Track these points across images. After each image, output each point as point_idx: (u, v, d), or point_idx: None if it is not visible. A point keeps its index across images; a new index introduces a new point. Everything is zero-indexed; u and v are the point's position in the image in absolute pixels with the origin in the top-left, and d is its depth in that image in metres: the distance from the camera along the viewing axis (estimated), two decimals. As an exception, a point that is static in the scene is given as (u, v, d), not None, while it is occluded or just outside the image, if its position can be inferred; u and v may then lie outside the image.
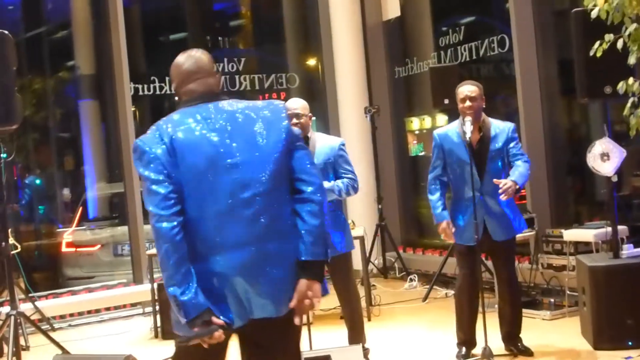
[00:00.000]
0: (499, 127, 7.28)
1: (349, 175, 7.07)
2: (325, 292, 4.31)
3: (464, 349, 7.41)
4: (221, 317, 4.05)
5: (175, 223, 4.03)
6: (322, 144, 7.09)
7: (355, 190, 7.09)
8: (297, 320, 4.24)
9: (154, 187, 4.06)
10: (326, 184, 6.83)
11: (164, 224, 4.02)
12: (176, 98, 4.49)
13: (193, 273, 4.03)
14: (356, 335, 7.19)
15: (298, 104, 7.08)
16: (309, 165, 4.32)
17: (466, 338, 7.44)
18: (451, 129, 7.34)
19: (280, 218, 4.21)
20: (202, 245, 4.09)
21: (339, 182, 7.00)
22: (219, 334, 4.01)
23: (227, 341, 4.22)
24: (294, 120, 6.92)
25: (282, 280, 4.16)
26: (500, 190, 6.87)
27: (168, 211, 4.04)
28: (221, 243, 4.08)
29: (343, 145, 7.16)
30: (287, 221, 4.24)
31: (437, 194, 7.36)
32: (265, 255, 4.12)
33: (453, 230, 7.28)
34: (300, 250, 4.20)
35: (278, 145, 4.24)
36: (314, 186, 4.30)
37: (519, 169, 7.08)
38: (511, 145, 7.22)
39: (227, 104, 4.32)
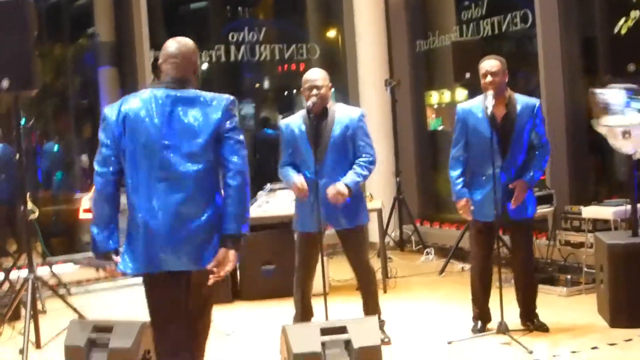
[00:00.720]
0: (525, 103, 7.26)
1: (364, 159, 7.02)
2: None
3: (479, 323, 7.44)
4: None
5: (108, 179, 4.99)
6: (341, 114, 7.06)
7: (373, 164, 7.07)
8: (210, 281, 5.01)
9: (101, 148, 5.03)
10: (348, 179, 6.89)
11: (98, 179, 5.00)
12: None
13: (114, 221, 5.03)
14: (371, 308, 7.20)
15: (317, 75, 7.04)
16: (233, 153, 4.97)
17: (481, 313, 7.47)
18: (475, 104, 7.31)
19: (198, 193, 4.94)
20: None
21: (354, 174, 6.94)
22: (110, 269, 5.12)
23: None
24: (314, 92, 6.91)
25: (185, 240, 4.90)
26: (513, 205, 7.07)
27: (104, 169, 4.99)
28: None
29: (363, 116, 7.14)
30: (203, 197, 4.97)
31: (459, 171, 7.35)
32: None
33: (472, 208, 7.28)
34: (222, 226, 4.93)
35: (208, 134, 4.94)
36: (231, 172, 4.93)
37: (533, 163, 7.22)
38: (536, 123, 7.21)
39: (179, 93, 5.02)
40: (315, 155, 6.84)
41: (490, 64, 7.17)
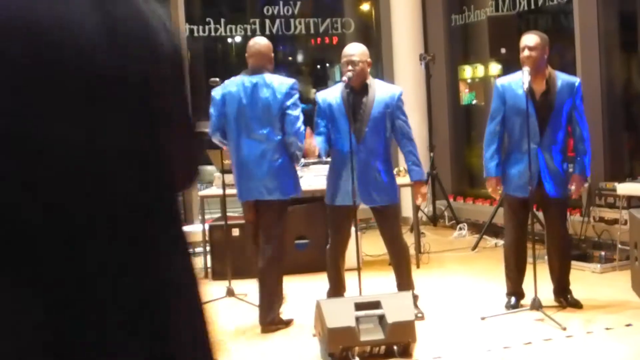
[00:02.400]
0: (565, 81, 7.24)
1: (409, 147, 7.12)
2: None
3: (513, 299, 7.45)
4: None
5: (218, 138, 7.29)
6: (381, 92, 7.08)
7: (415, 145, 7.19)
8: None
9: (211, 119, 7.20)
10: (419, 175, 7.15)
11: (214, 139, 7.32)
12: None
13: None
14: (404, 283, 7.23)
15: (354, 50, 7.05)
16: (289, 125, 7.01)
17: (515, 289, 7.48)
18: (515, 80, 7.28)
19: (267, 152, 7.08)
20: None
21: (418, 167, 7.15)
22: None
23: None
24: (349, 67, 6.92)
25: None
26: (574, 194, 7.26)
27: (215, 133, 7.24)
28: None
29: (401, 95, 7.16)
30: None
31: (494, 147, 7.36)
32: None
33: (500, 189, 7.33)
34: None
35: (276, 109, 7.02)
36: (286, 137, 7.05)
37: (582, 155, 7.28)
38: (576, 104, 7.19)
39: (256, 79, 7.07)
40: (353, 130, 6.86)
41: (529, 39, 7.16)
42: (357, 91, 6.98)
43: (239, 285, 8.17)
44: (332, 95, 7.10)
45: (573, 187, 7.31)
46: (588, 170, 7.37)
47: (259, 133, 7.01)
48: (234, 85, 7.13)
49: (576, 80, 7.31)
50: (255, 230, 7.36)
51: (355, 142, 6.89)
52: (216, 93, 7.19)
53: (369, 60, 7.10)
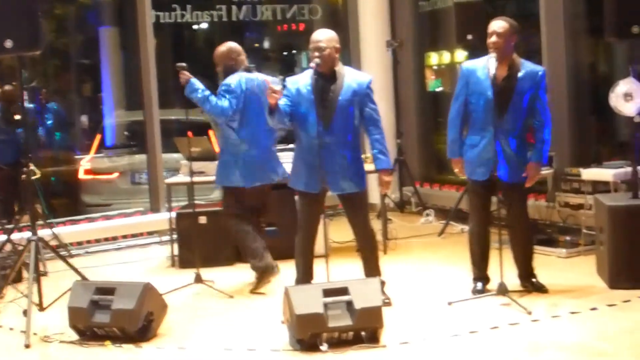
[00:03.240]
0: (529, 69, 7.27)
1: (376, 134, 7.12)
2: None
3: (479, 284, 7.51)
4: None
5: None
6: (350, 79, 7.07)
7: (383, 132, 7.21)
8: None
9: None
10: (384, 163, 7.11)
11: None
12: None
13: None
14: (372, 269, 7.27)
15: (322, 36, 7.04)
16: None
17: (480, 274, 7.54)
18: (479, 64, 7.32)
19: None
20: None
21: (384, 156, 7.13)
22: None
23: None
24: (316, 53, 6.94)
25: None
26: (528, 182, 7.22)
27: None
28: None
29: (371, 83, 7.17)
30: None
31: (457, 129, 7.42)
32: None
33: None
34: None
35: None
36: None
37: (540, 143, 7.28)
38: (538, 93, 7.22)
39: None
40: (321, 117, 6.88)
41: (497, 25, 7.19)
42: (325, 78, 6.99)
43: (207, 273, 8.19)
44: (302, 81, 7.07)
45: (526, 175, 7.31)
46: (545, 158, 7.41)
47: None
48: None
49: (540, 69, 7.34)
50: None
51: (323, 129, 6.90)
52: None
53: (337, 46, 7.08)
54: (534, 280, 7.49)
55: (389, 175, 7.19)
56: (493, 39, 7.15)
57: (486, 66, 7.16)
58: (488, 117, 7.09)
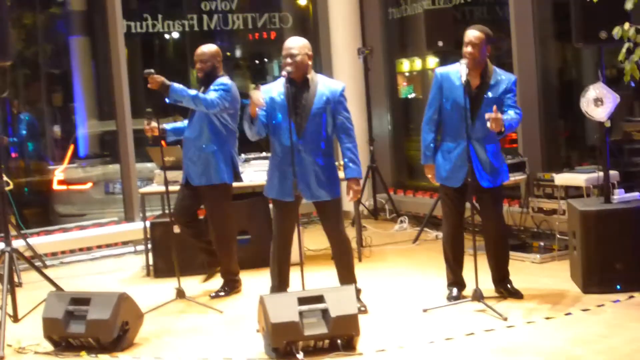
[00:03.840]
0: (501, 77, 7.31)
1: (349, 143, 7.13)
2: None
3: (454, 290, 7.52)
4: None
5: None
6: (323, 87, 7.09)
7: (355, 141, 7.22)
8: None
9: None
10: (355, 172, 7.11)
11: None
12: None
13: None
14: (347, 277, 7.26)
15: (294, 43, 7.05)
16: None
17: (455, 279, 7.55)
18: (453, 70, 7.33)
19: None
20: None
21: (355, 164, 7.12)
22: None
23: None
24: (288, 60, 6.94)
25: None
26: (487, 116, 6.90)
27: None
28: None
29: (344, 91, 7.18)
30: None
31: (432, 135, 7.44)
32: None
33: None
34: None
35: None
36: None
37: (510, 115, 7.15)
38: (508, 96, 7.25)
39: None
40: (294, 125, 6.89)
41: (472, 34, 7.21)
42: (298, 85, 7.00)
43: (182, 282, 8.14)
44: (275, 88, 7.08)
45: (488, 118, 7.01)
46: (507, 128, 7.21)
47: None
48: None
49: (512, 77, 7.38)
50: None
51: (296, 137, 6.90)
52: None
53: (309, 53, 7.08)
54: (509, 285, 7.50)
55: (358, 184, 7.17)
56: (469, 49, 7.18)
57: (459, 72, 7.18)
58: (462, 124, 7.11)
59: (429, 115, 7.45)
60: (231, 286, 8.23)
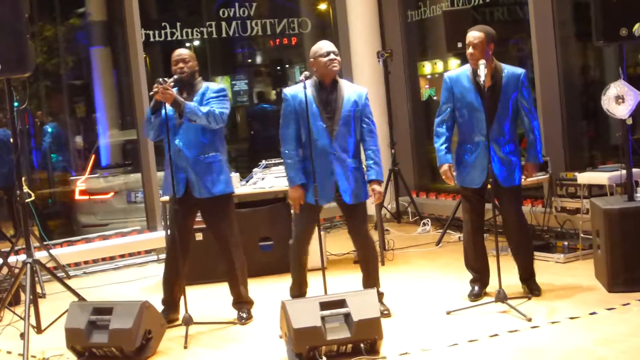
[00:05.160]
0: (511, 73, 7.33)
1: (372, 145, 7.22)
2: None
3: (476, 288, 7.50)
4: None
5: None
6: (349, 91, 7.20)
7: (378, 142, 7.31)
8: None
9: None
10: (376, 174, 7.17)
11: None
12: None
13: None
14: (371, 280, 7.26)
15: (331, 45, 7.24)
16: None
17: (477, 277, 7.52)
18: (462, 73, 7.38)
19: None
20: None
21: (377, 166, 7.22)
22: None
23: None
24: (333, 57, 7.12)
25: None
26: (524, 181, 7.35)
27: None
28: None
29: (367, 95, 7.28)
30: None
31: (443, 138, 7.50)
32: None
33: (454, 173, 7.43)
34: None
35: None
36: None
37: (532, 143, 7.34)
38: (523, 94, 7.26)
39: None
40: (327, 128, 7.03)
41: (473, 35, 7.26)
42: (327, 89, 7.07)
43: (205, 289, 8.15)
44: (302, 92, 7.03)
45: (524, 175, 7.43)
46: (540, 157, 7.44)
47: None
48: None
49: (521, 72, 7.39)
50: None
51: (329, 140, 7.01)
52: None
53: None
54: (533, 286, 7.49)
55: (380, 186, 7.22)
56: (470, 50, 7.21)
57: (469, 74, 7.20)
58: (478, 125, 7.14)
59: (440, 119, 7.53)
60: (249, 309, 7.75)
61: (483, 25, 7.38)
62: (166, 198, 7.88)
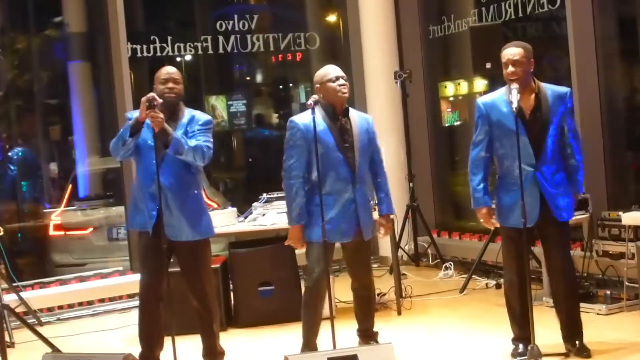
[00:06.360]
0: (556, 93, 7.27)
1: (383, 175, 7.55)
2: None
3: (520, 346, 7.32)
4: None
5: None
6: (359, 119, 7.40)
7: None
8: None
9: None
10: (387, 207, 7.48)
11: None
12: None
13: None
14: (370, 323, 7.63)
15: (338, 69, 7.37)
16: None
17: (522, 334, 7.35)
18: (498, 97, 7.28)
19: None
20: None
21: (388, 198, 7.54)
22: None
23: None
24: (342, 82, 7.27)
25: None
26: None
27: None
28: None
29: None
30: None
31: (480, 176, 7.35)
32: None
33: (494, 217, 7.34)
34: None
35: None
36: None
37: (575, 170, 7.32)
38: (567, 116, 7.24)
39: None
40: (347, 159, 7.21)
41: (512, 52, 7.16)
42: (339, 116, 7.19)
43: (194, 340, 8.12)
44: (311, 121, 7.05)
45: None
46: (581, 187, 7.38)
47: None
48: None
49: (566, 90, 7.34)
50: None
51: (350, 174, 7.19)
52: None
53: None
54: (577, 342, 7.36)
55: (389, 219, 7.52)
56: (510, 69, 7.11)
57: (506, 98, 7.12)
58: (524, 156, 7.02)
59: (476, 153, 7.39)
60: None
61: (519, 41, 7.34)
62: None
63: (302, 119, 7.25)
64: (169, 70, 7.41)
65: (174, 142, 7.00)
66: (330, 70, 7.25)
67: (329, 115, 7.15)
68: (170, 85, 7.27)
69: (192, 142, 7.12)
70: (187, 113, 7.39)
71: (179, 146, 7.01)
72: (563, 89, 7.34)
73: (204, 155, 7.18)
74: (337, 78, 7.17)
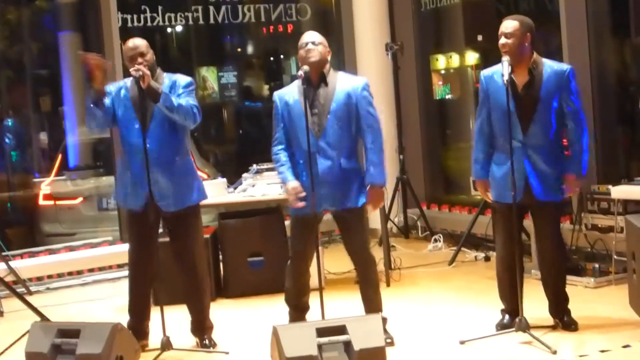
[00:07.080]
0: (554, 70, 7.18)
1: (371, 143, 7.10)
2: None
3: (506, 317, 7.38)
4: None
5: None
6: (343, 82, 7.12)
7: (381, 140, 7.18)
8: None
9: None
10: (376, 177, 7.08)
11: None
12: None
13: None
14: (373, 303, 7.23)
15: (312, 34, 7.19)
16: None
17: (511, 307, 7.38)
18: (497, 70, 7.23)
19: None
20: None
21: (378, 168, 7.10)
22: None
23: None
24: (310, 47, 7.04)
25: None
26: (568, 194, 7.20)
27: None
28: None
29: (367, 86, 7.18)
30: None
31: (480, 147, 7.36)
32: None
33: (489, 190, 7.33)
34: None
35: None
36: None
37: (578, 153, 7.20)
38: (569, 94, 7.16)
39: None
40: (311, 126, 6.92)
41: (506, 24, 7.11)
42: (314, 84, 7.02)
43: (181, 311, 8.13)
44: (289, 92, 7.13)
45: (564, 187, 7.25)
46: (585, 169, 7.30)
47: None
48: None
49: (567, 68, 7.23)
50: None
51: (315, 139, 6.94)
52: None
53: (328, 50, 7.17)
54: (565, 315, 7.40)
55: (379, 192, 7.19)
56: (502, 40, 7.09)
57: (502, 72, 7.10)
58: (513, 131, 7.02)
59: (478, 126, 7.40)
60: (211, 335, 7.68)
61: (519, 15, 7.30)
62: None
63: (280, 91, 7.25)
64: (133, 43, 7.27)
65: (164, 96, 6.99)
66: (303, 37, 7.14)
67: (306, 84, 6.94)
68: (139, 61, 7.11)
69: (182, 100, 7.11)
70: (167, 78, 7.34)
71: (169, 101, 7.01)
72: (563, 67, 7.23)
73: (194, 116, 7.17)
74: (306, 44, 7.05)
